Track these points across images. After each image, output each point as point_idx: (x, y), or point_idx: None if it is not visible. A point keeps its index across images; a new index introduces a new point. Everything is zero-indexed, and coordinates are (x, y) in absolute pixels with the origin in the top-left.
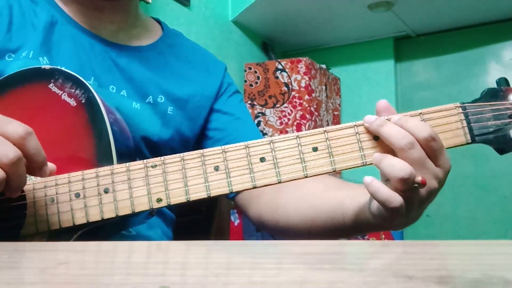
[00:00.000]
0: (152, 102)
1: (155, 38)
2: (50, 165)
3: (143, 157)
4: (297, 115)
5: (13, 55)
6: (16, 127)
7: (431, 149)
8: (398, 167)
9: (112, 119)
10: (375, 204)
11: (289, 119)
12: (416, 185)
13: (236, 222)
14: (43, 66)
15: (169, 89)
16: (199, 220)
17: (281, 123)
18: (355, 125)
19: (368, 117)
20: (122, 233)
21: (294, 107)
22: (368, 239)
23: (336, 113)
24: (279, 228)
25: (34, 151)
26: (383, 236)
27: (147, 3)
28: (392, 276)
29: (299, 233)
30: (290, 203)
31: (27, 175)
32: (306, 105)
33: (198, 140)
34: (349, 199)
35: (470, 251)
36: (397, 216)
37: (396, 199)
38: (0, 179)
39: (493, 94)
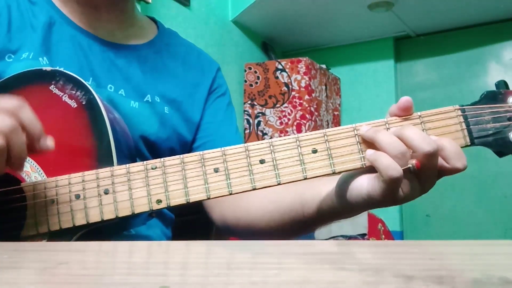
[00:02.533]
0: (150, 101)
1: (151, 37)
2: (48, 139)
3: (142, 156)
4: (297, 115)
5: (13, 56)
6: (10, 100)
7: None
8: (395, 143)
9: (112, 120)
10: (364, 184)
11: (289, 119)
12: (411, 166)
13: None
14: (44, 68)
15: (164, 91)
16: (199, 220)
17: (281, 123)
18: (354, 127)
19: (364, 127)
20: (121, 234)
21: (294, 107)
22: (368, 239)
23: (336, 113)
24: (240, 226)
25: (30, 120)
26: (383, 236)
27: (147, 3)
28: (392, 276)
29: (259, 229)
30: (251, 202)
31: (30, 174)
32: (306, 105)
33: None
34: (308, 189)
35: (470, 251)
36: (391, 193)
37: (396, 168)
38: (0, 145)
39: (493, 97)
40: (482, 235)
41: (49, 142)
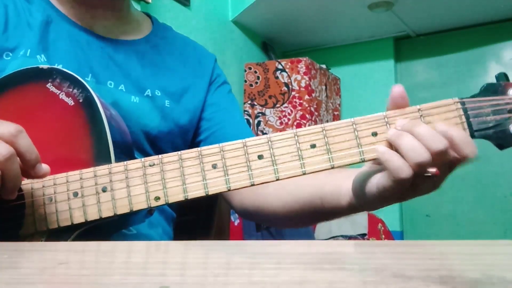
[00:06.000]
0: (150, 95)
1: (147, 32)
2: (44, 166)
3: (143, 151)
4: (297, 115)
5: (11, 54)
6: (7, 126)
7: (440, 162)
8: (418, 151)
9: (109, 117)
10: (374, 181)
11: (289, 119)
12: (429, 174)
13: (236, 222)
14: (41, 66)
15: (164, 84)
16: (199, 219)
17: (281, 123)
18: (353, 121)
19: (392, 130)
20: (122, 232)
21: (294, 107)
22: (368, 239)
23: (336, 113)
24: (260, 214)
25: (26, 148)
26: (383, 236)
27: (147, 3)
28: (392, 276)
29: (279, 218)
30: (270, 190)
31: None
32: (306, 105)
33: None
34: (329, 184)
35: (470, 251)
36: (399, 191)
37: (407, 170)
38: None
39: (493, 89)
40: (482, 235)
41: (45, 168)
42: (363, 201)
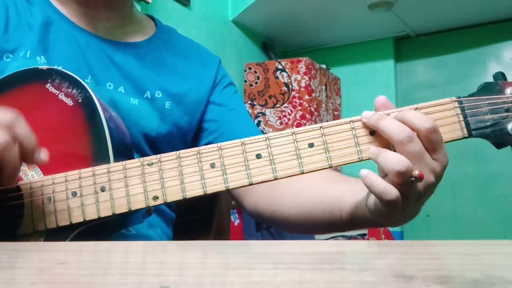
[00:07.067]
0: (150, 97)
1: (149, 34)
2: (42, 152)
3: (142, 152)
4: (297, 115)
5: (11, 56)
6: (4, 113)
7: (431, 141)
8: (395, 160)
9: (108, 118)
10: (372, 199)
11: (289, 119)
12: (413, 179)
13: (236, 222)
14: (40, 67)
15: (166, 85)
16: (199, 220)
17: (281, 123)
18: (351, 120)
19: (366, 113)
20: (121, 233)
21: (294, 107)
22: (368, 239)
23: (336, 113)
24: (275, 219)
25: (24, 134)
26: (383, 236)
27: (147, 3)
28: (392, 276)
29: (296, 225)
30: (286, 196)
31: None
32: (306, 105)
33: (195, 132)
34: (348, 194)
35: (470, 251)
36: (393, 210)
37: (392, 191)
38: None
39: (490, 88)
40: (482, 235)
41: (43, 155)
42: (376, 214)
